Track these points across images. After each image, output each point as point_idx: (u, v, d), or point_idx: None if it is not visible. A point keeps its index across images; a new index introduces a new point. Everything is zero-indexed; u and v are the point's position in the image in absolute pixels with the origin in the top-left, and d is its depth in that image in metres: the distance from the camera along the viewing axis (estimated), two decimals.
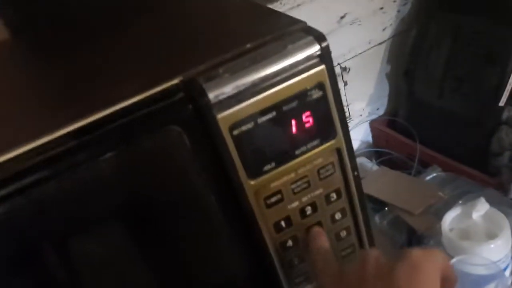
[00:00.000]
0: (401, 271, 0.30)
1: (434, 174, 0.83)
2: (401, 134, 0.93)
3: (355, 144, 1.00)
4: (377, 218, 0.81)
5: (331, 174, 0.35)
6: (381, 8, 0.87)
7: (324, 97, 0.32)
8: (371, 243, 0.40)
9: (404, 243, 0.76)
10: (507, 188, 0.74)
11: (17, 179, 0.27)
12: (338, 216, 0.37)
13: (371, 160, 0.98)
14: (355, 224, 0.38)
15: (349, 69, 0.89)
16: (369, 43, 0.89)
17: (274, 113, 0.31)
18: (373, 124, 0.99)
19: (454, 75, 0.80)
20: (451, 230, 0.57)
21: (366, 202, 0.38)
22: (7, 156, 0.27)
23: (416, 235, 0.75)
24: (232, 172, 0.32)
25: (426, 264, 0.30)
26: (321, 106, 0.32)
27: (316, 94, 0.32)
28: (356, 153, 0.99)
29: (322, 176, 0.35)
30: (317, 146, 0.34)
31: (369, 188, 0.85)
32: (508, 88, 0.74)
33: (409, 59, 0.87)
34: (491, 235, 0.55)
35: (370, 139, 1.01)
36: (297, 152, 0.33)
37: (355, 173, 0.36)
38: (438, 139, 0.87)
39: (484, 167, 0.77)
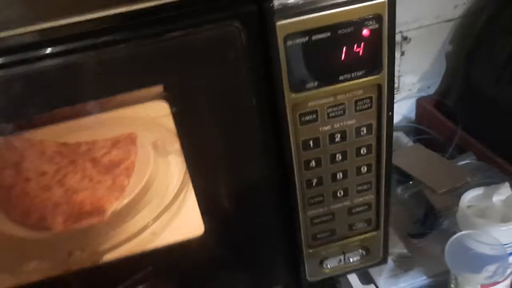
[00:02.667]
0: None
1: (467, 161, 0.83)
2: (446, 117, 0.93)
3: (397, 118, 1.00)
4: (399, 190, 0.83)
5: (367, 108, 0.38)
6: None
7: (379, 30, 0.34)
8: (387, 186, 0.43)
9: (421, 217, 0.78)
10: None
11: (77, 40, 0.31)
12: (363, 150, 0.40)
13: (409, 136, 0.98)
14: (377, 162, 0.41)
15: (410, 40, 0.88)
16: (437, 17, 0.87)
17: (328, 34, 0.33)
18: (420, 102, 0.99)
19: None
20: (468, 207, 0.59)
21: (392, 145, 0.40)
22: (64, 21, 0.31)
23: (433, 212, 0.77)
24: (277, 80, 0.34)
25: None
26: (374, 39, 0.34)
27: (372, 25, 0.33)
28: (395, 127, 1.00)
29: (358, 108, 0.37)
30: (360, 77, 0.36)
31: (399, 161, 0.86)
32: None
33: (475, 41, 0.85)
34: (506, 221, 0.56)
35: (413, 116, 1.01)
36: (340, 78, 0.35)
37: (390, 113, 0.38)
38: (481, 128, 0.86)
39: None
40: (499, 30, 0.82)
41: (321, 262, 0.46)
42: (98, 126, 0.58)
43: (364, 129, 0.39)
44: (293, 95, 0.35)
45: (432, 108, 0.97)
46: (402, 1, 0.82)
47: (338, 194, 0.42)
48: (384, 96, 0.37)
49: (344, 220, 0.44)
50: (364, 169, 0.41)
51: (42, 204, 0.48)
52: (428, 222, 0.76)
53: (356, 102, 0.37)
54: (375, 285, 0.69)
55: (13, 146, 0.54)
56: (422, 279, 0.69)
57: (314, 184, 0.40)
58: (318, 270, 0.46)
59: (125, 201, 0.48)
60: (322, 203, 0.42)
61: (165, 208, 0.48)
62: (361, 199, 0.43)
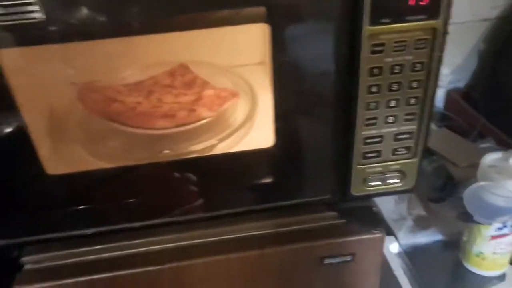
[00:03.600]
0: None
1: (488, 145, 0.93)
2: (473, 109, 1.02)
3: None
4: (424, 163, 0.93)
5: (423, 48, 0.48)
6: None
7: None
8: (428, 120, 0.53)
9: (440, 187, 0.88)
10: None
11: None
12: (415, 84, 0.50)
13: (436, 123, 1.08)
14: (423, 97, 0.51)
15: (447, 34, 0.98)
16: (473, 15, 0.97)
17: None
18: (449, 93, 1.08)
19: None
20: (488, 166, 0.68)
21: (437, 83, 0.51)
22: None
23: (453, 182, 0.87)
24: (360, 13, 0.45)
25: None
26: None
27: None
28: None
29: (416, 46, 0.48)
30: (422, 20, 0.46)
31: None
32: None
33: (506, 40, 0.95)
34: None
35: (441, 105, 1.10)
36: (407, 18, 0.46)
37: (440, 54, 0.48)
38: (504, 120, 0.96)
39: None
40: None
41: (365, 180, 0.56)
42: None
43: (418, 66, 0.49)
44: (370, 27, 0.46)
45: (460, 99, 1.06)
46: None
47: (389, 120, 0.52)
48: (439, 39, 0.47)
49: (390, 144, 0.54)
50: (412, 100, 0.51)
51: (179, 106, 0.58)
52: (447, 190, 0.86)
53: (415, 41, 0.47)
54: (396, 237, 0.79)
55: (95, 88, 0.64)
56: (437, 237, 0.79)
57: (372, 107, 0.51)
58: (361, 187, 0.56)
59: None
60: (375, 125, 0.52)
61: (245, 120, 0.59)
62: (406, 127, 0.53)
